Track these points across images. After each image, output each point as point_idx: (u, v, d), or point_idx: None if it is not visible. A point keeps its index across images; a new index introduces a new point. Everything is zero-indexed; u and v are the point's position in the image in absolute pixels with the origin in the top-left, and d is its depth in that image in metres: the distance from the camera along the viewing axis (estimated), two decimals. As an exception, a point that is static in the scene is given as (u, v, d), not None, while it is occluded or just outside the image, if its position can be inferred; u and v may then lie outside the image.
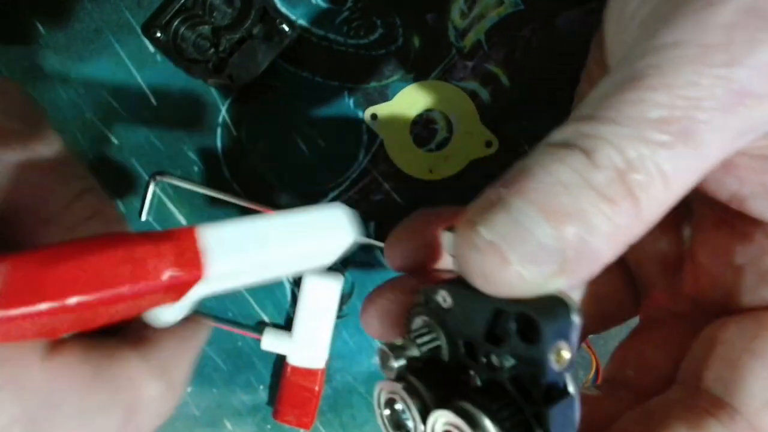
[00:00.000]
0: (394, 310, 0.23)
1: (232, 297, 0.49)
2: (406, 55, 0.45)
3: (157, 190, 0.47)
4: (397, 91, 0.45)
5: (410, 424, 0.21)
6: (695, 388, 0.21)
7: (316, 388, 0.47)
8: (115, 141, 0.47)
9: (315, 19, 0.45)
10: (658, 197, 0.18)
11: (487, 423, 0.18)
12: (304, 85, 0.46)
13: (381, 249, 0.46)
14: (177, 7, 0.41)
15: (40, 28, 0.45)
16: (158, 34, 0.41)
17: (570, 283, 0.18)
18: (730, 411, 0.20)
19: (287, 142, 0.46)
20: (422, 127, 0.46)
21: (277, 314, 0.49)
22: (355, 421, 0.50)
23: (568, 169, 0.18)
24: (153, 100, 0.46)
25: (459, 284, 0.19)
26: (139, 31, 0.43)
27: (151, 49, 0.45)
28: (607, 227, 0.17)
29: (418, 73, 0.45)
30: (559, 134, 0.19)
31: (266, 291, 0.49)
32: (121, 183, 0.47)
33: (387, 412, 0.21)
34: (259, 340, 0.47)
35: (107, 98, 0.46)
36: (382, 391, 0.21)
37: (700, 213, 0.24)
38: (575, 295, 0.26)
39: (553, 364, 0.18)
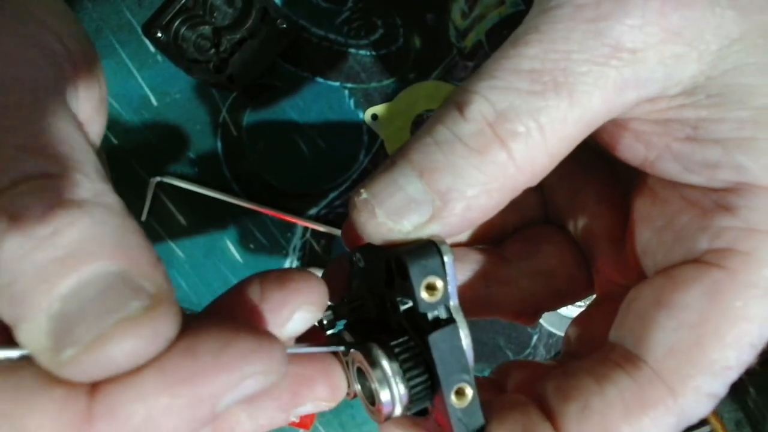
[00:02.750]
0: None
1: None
2: (407, 56, 0.45)
3: (158, 191, 0.47)
4: (398, 92, 0.45)
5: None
6: (613, 344, 0.22)
7: (316, 389, 0.47)
8: (115, 141, 0.47)
9: (315, 19, 0.45)
10: (536, 147, 0.19)
11: (383, 359, 0.20)
12: (304, 86, 0.46)
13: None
14: (178, 7, 0.41)
15: (41, 28, 0.45)
16: (159, 35, 0.41)
17: (444, 229, 0.20)
18: (636, 361, 0.21)
19: (287, 143, 0.46)
20: (422, 128, 0.46)
21: (277, 314, 0.49)
22: (355, 421, 0.50)
23: (442, 126, 0.19)
24: (153, 101, 0.46)
25: (368, 244, 0.21)
26: (140, 31, 0.43)
27: (152, 49, 0.45)
28: (480, 178, 0.19)
29: (418, 74, 0.45)
30: (449, 94, 0.20)
31: (266, 291, 0.49)
32: (121, 183, 0.47)
33: None
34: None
35: (107, 98, 0.46)
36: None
37: (635, 184, 0.25)
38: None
39: (426, 297, 0.19)
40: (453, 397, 0.20)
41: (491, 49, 0.45)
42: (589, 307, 0.28)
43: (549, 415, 0.21)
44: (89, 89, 0.21)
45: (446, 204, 0.19)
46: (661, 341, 0.21)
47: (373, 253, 0.21)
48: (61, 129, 0.17)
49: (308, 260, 0.48)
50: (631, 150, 0.23)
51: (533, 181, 0.20)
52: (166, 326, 0.15)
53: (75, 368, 0.15)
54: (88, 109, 0.20)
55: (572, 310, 0.47)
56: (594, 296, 0.28)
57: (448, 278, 0.20)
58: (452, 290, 0.20)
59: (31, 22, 0.19)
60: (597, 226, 0.27)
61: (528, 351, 0.49)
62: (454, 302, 0.20)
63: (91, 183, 0.16)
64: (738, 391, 0.45)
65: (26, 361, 0.15)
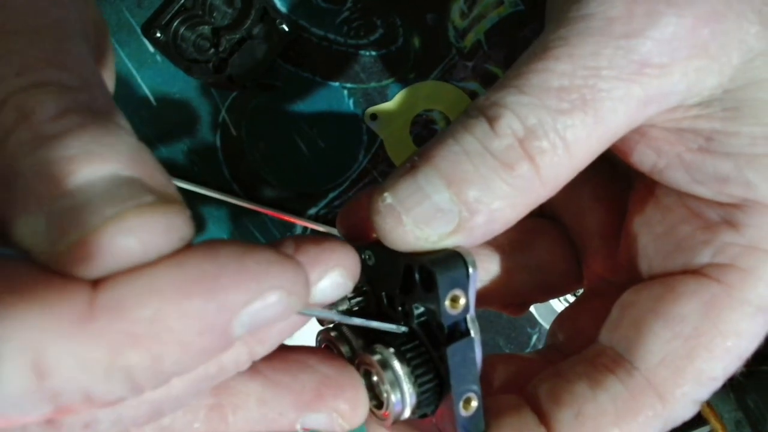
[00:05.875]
0: None
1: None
2: (406, 56, 0.45)
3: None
4: (397, 92, 0.45)
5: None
6: (605, 347, 0.23)
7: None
8: (115, 141, 0.47)
9: (315, 19, 0.45)
10: (560, 163, 0.19)
11: (395, 362, 0.20)
12: (304, 85, 0.46)
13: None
14: (177, 7, 0.41)
15: (40, 28, 0.45)
16: (158, 35, 0.41)
17: (468, 240, 0.20)
18: (628, 367, 0.21)
19: (287, 142, 0.46)
20: (422, 127, 0.46)
21: (277, 314, 0.49)
22: (355, 421, 0.50)
23: (472, 138, 0.19)
24: (153, 100, 0.46)
25: (381, 244, 0.21)
26: (139, 31, 0.43)
27: (151, 49, 0.45)
28: (507, 191, 0.19)
29: (418, 74, 0.45)
30: (475, 101, 0.20)
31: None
32: (121, 183, 0.47)
33: None
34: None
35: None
36: (318, 338, 0.24)
37: (636, 186, 0.26)
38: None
39: (449, 309, 0.20)
40: (461, 406, 0.20)
41: (490, 49, 0.45)
42: (576, 301, 0.28)
43: (542, 418, 0.22)
44: (105, 66, 0.21)
45: (472, 215, 0.19)
46: (655, 351, 0.21)
47: (388, 255, 0.21)
48: (84, 58, 0.17)
49: (308, 260, 0.48)
50: (642, 155, 0.23)
51: (554, 193, 0.20)
52: (180, 222, 0.14)
53: (77, 256, 0.13)
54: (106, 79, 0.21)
55: (572, 310, 0.47)
56: (581, 290, 0.29)
57: (470, 291, 0.20)
58: (472, 302, 0.20)
59: None
60: (590, 222, 0.27)
61: (528, 350, 0.49)
62: (471, 314, 0.20)
63: (107, 102, 0.16)
64: (738, 391, 0.45)
65: (19, 260, 0.14)
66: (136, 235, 0.13)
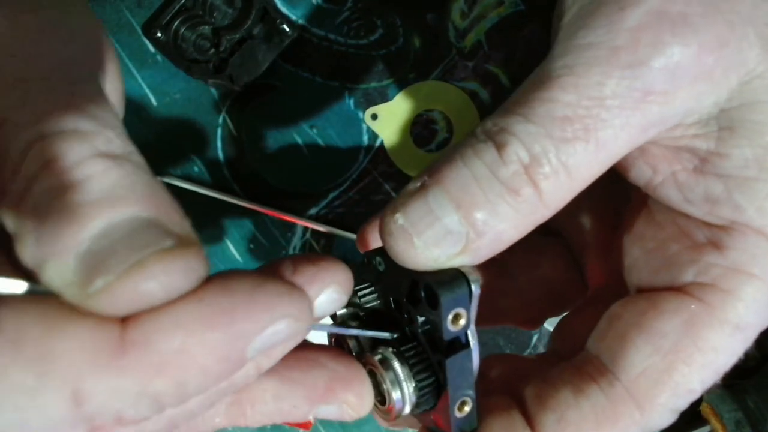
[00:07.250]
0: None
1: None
2: (407, 56, 0.45)
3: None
4: (398, 92, 0.45)
5: None
6: (591, 356, 0.24)
7: (316, 388, 0.47)
8: (115, 141, 0.47)
9: (315, 19, 0.45)
10: (562, 187, 0.20)
11: (396, 363, 0.22)
12: (304, 86, 0.46)
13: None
14: (177, 7, 0.41)
15: (41, 28, 0.45)
16: (159, 35, 0.41)
17: (473, 260, 0.21)
18: (610, 378, 0.22)
19: (287, 143, 0.46)
20: (422, 128, 0.46)
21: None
22: (355, 421, 0.50)
23: (481, 162, 0.20)
24: (153, 100, 0.46)
25: None
26: (140, 31, 0.43)
27: (152, 49, 0.45)
28: (512, 214, 0.20)
29: (418, 74, 0.45)
30: (482, 125, 0.21)
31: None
32: (122, 183, 0.47)
33: None
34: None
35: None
36: (329, 334, 0.25)
37: (632, 199, 0.26)
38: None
39: (450, 326, 0.21)
40: (456, 408, 0.22)
41: (491, 49, 0.45)
42: (575, 308, 0.29)
43: (528, 420, 0.23)
44: (114, 80, 0.22)
45: (479, 237, 0.20)
46: (636, 364, 0.22)
47: (397, 264, 0.22)
48: (96, 97, 0.18)
49: (308, 260, 0.48)
50: (639, 171, 0.23)
51: (554, 213, 0.21)
52: (198, 263, 0.15)
53: (105, 299, 0.15)
54: (113, 98, 0.21)
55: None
56: None
57: (472, 309, 0.21)
58: (473, 318, 0.21)
59: (78, 13, 0.20)
60: (589, 235, 0.28)
61: (528, 351, 0.49)
62: (471, 328, 0.21)
63: (122, 142, 0.17)
64: (738, 391, 0.45)
65: (52, 297, 0.15)
66: (158, 280, 0.15)
